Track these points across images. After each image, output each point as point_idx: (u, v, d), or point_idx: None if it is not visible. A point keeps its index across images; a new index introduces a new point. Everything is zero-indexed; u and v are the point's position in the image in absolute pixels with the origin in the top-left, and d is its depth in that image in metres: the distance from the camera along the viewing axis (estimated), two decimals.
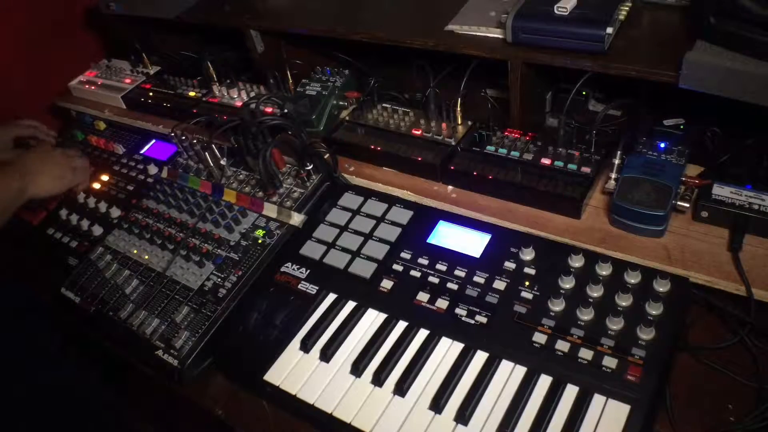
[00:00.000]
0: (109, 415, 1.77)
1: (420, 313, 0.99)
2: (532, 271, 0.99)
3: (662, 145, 1.05)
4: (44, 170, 1.29)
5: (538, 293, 0.96)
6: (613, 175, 1.07)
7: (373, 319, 1.02)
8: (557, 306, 0.93)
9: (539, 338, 0.91)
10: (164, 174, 1.40)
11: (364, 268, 1.08)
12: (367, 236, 1.13)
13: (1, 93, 1.66)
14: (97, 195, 1.45)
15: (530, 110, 1.24)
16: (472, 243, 1.06)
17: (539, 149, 1.15)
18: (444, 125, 1.25)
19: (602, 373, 0.85)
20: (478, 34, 1.17)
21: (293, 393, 0.95)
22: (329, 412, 0.91)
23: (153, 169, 1.44)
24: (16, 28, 1.74)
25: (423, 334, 0.97)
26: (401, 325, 0.99)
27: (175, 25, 1.59)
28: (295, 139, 1.24)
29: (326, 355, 0.98)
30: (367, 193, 1.21)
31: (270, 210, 1.22)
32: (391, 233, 1.12)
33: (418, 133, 1.26)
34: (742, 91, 0.88)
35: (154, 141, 1.54)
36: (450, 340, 0.96)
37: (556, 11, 1.03)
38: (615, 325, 0.89)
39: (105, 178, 1.49)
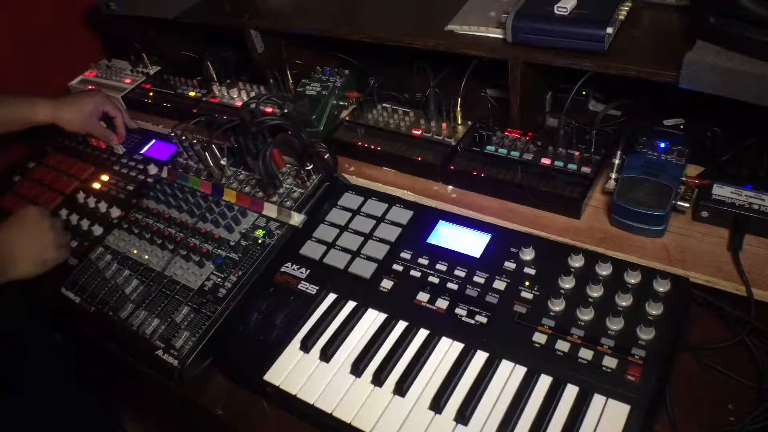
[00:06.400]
0: (109, 415, 1.77)
1: (420, 313, 0.99)
2: (532, 271, 0.99)
3: (662, 145, 1.05)
4: (27, 251, 1.18)
5: (538, 293, 0.96)
6: (613, 175, 1.07)
7: (373, 319, 1.02)
8: (557, 306, 0.93)
9: (539, 338, 0.91)
10: (164, 174, 1.40)
11: (364, 268, 1.08)
12: (367, 236, 1.13)
13: (1, 93, 1.66)
14: (97, 195, 1.45)
15: (530, 110, 1.24)
16: (472, 243, 1.06)
17: (539, 149, 1.15)
18: (444, 125, 1.25)
19: (602, 373, 0.85)
20: (478, 34, 1.17)
21: (293, 393, 0.95)
22: (329, 412, 0.91)
23: (153, 169, 1.44)
24: (16, 28, 1.74)
25: (423, 334, 0.97)
26: (401, 325, 0.99)
27: (175, 25, 1.59)
28: (295, 139, 1.24)
29: (326, 355, 0.98)
30: (367, 193, 1.21)
31: (270, 210, 1.22)
32: (391, 233, 1.12)
33: (418, 133, 1.26)
34: (742, 91, 0.88)
35: (154, 141, 1.54)
36: (450, 340, 0.96)
37: (556, 11, 1.03)
38: (615, 325, 0.89)
39: (105, 178, 1.49)
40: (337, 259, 1.11)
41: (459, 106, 1.24)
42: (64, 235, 1.27)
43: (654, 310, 0.89)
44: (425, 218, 1.13)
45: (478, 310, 0.97)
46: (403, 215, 1.15)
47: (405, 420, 0.88)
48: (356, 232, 1.14)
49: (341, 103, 1.41)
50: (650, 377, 0.83)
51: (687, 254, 0.97)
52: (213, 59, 1.59)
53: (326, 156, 1.26)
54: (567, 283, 0.96)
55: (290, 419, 0.96)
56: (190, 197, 1.31)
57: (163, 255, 1.22)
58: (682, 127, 1.16)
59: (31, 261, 1.18)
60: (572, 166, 1.10)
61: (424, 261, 1.06)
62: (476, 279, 1.01)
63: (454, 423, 0.86)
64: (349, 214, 1.18)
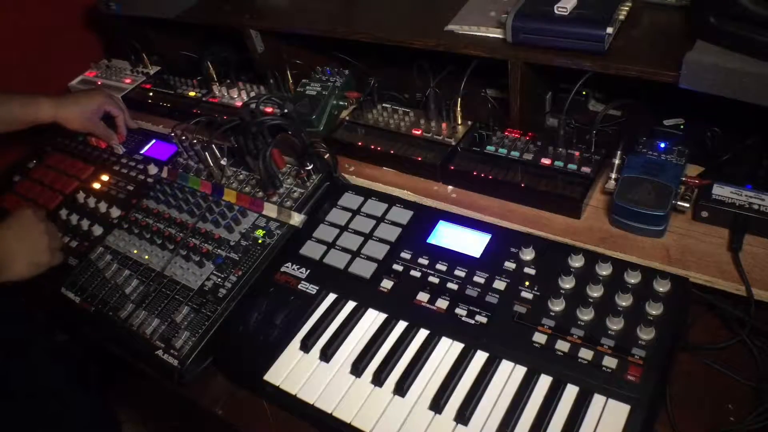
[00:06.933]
0: (108, 415, 1.77)
1: (420, 313, 0.99)
2: (532, 271, 0.99)
3: (662, 145, 1.05)
4: (21, 254, 1.17)
5: (538, 293, 0.96)
6: (613, 175, 1.07)
7: (373, 319, 1.02)
8: (557, 306, 0.93)
9: (539, 338, 0.91)
10: (164, 174, 1.40)
11: (364, 268, 1.08)
12: (367, 236, 1.13)
13: (2, 92, 1.66)
14: (97, 195, 1.45)
15: (530, 110, 1.24)
16: (472, 243, 1.06)
17: (539, 149, 1.15)
18: (444, 125, 1.25)
19: (602, 373, 0.85)
20: (478, 34, 1.17)
21: (293, 393, 0.95)
22: (329, 412, 0.91)
23: (153, 169, 1.44)
24: (16, 28, 1.74)
25: (423, 334, 0.97)
26: (401, 325, 0.99)
27: (175, 25, 1.59)
28: (295, 139, 1.24)
29: (326, 355, 0.98)
30: (367, 193, 1.21)
31: (270, 210, 1.22)
32: (391, 233, 1.12)
33: (418, 133, 1.26)
34: (742, 91, 0.88)
35: (154, 141, 1.54)
36: (450, 340, 0.96)
37: (556, 11, 1.03)
38: (615, 325, 0.89)
39: (105, 178, 1.49)
40: (337, 259, 1.11)
41: (459, 106, 1.24)
42: (58, 239, 1.27)
43: (654, 310, 0.89)
44: (425, 218, 1.13)
45: (478, 310, 0.97)
46: (403, 215, 1.15)
47: (405, 420, 0.88)
48: (356, 232, 1.14)
49: (341, 103, 1.41)
50: (650, 377, 0.83)
51: (687, 254, 0.97)
52: (213, 59, 1.59)
53: (326, 156, 1.26)
54: (567, 283, 0.96)
55: (290, 419, 0.96)
56: (190, 197, 1.31)
57: (163, 255, 1.22)
58: (682, 127, 1.16)
59: (24, 263, 1.17)
60: (572, 166, 1.10)
61: (424, 261, 1.06)
62: (476, 279, 1.01)
63: (454, 423, 0.86)
64: (349, 214, 1.18)
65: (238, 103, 1.51)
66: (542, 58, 1.08)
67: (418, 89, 1.45)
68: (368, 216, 1.16)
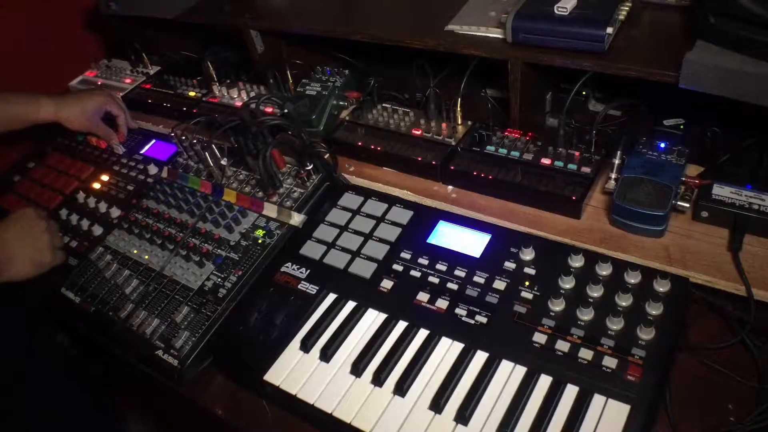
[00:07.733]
0: (109, 416, 1.77)
1: (420, 313, 0.99)
2: (532, 271, 0.99)
3: (662, 145, 1.05)
4: (23, 253, 1.18)
5: (538, 293, 0.96)
6: (613, 175, 1.07)
7: (373, 319, 1.02)
8: (557, 306, 0.93)
9: (539, 338, 0.91)
10: (164, 174, 1.40)
11: (364, 268, 1.08)
12: (367, 236, 1.13)
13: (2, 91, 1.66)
14: (97, 195, 1.45)
15: (530, 110, 1.24)
16: (472, 243, 1.06)
17: (539, 149, 1.15)
18: (444, 125, 1.25)
19: (602, 373, 0.85)
20: (478, 34, 1.17)
21: (293, 393, 0.95)
22: (329, 412, 0.91)
23: (153, 169, 1.44)
24: (16, 28, 1.74)
25: (423, 334, 0.97)
26: (401, 325, 0.99)
27: (175, 25, 1.59)
28: (295, 139, 1.24)
29: (326, 355, 0.98)
30: (367, 193, 1.21)
31: (270, 210, 1.22)
32: (391, 233, 1.12)
33: (418, 133, 1.26)
34: (742, 91, 0.88)
35: (154, 141, 1.54)
36: (450, 340, 0.96)
37: (556, 11, 1.03)
38: (615, 325, 0.89)
39: (105, 178, 1.49)
40: (337, 259, 1.11)
41: (459, 106, 1.24)
42: (59, 238, 1.28)
43: (654, 310, 0.89)
44: (425, 218, 1.13)
45: (478, 310, 0.97)
46: (403, 215, 1.15)
47: (405, 420, 0.88)
48: (356, 232, 1.14)
49: (341, 103, 1.41)
50: (650, 377, 0.83)
51: (687, 254, 0.97)
52: (213, 59, 1.59)
53: (326, 156, 1.26)
54: (567, 283, 0.96)
55: (290, 419, 0.96)
56: (190, 197, 1.31)
57: (163, 255, 1.22)
58: (682, 127, 1.16)
59: (26, 263, 1.18)
60: (572, 166, 1.10)
61: (424, 261, 1.06)
62: (476, 279, 1.01)
63: (454, 423, 0.86)
64: (349, 214, 1.18)
65: (238, 103, 1.51)
66: (542, 58, 1.08)
67: (418, 89, 1.45)
68: (368, 216, 1.16)
